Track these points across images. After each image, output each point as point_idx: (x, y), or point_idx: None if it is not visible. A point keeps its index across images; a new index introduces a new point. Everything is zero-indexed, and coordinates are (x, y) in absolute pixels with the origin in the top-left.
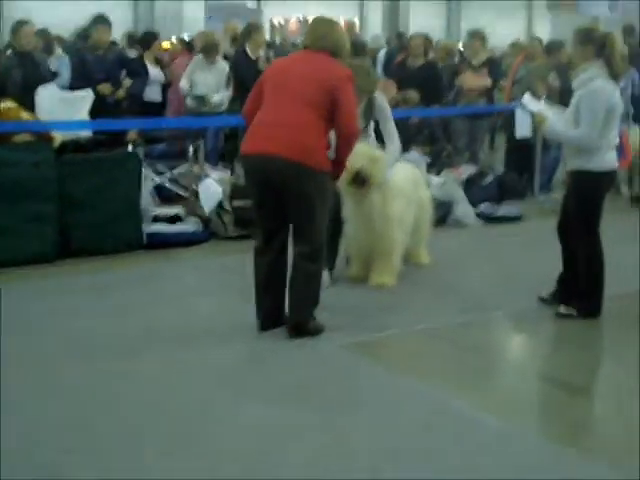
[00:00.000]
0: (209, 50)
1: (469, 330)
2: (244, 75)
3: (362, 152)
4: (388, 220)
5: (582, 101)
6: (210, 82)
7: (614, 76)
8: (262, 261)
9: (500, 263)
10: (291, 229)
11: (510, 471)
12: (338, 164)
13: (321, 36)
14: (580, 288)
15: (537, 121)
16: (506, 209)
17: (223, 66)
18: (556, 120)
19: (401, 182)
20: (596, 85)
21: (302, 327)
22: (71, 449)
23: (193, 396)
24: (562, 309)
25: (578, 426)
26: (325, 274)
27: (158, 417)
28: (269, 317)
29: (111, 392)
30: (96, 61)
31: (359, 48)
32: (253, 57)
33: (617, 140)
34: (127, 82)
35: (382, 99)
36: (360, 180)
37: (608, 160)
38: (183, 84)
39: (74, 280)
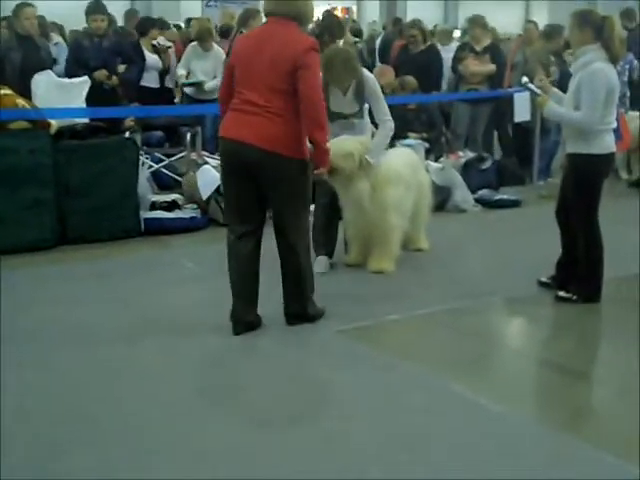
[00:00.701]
0: (203, 37)
1: (468, 315)
2: None
3: (338, 146)
4: (384, 206)
5: (582, 83)
6: (207, 69)
7: (612, 59)
8: (236, 253)
9: (499, 248)
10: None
11: (509, 455)
12: (315, 147)
13: (283, 1)
14: (579, 272)
15: (539, 102)
16: (505, 194)
17: (219, 52)
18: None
19: (399, 167)
20: (596, 67)
21: (301, 315)
22: (69, 437)
23: (190, 384)
24: (561, 293)
25: (577, 411)
26: (324, 260)
27: (156, 406)
28: (244, 314)
29: (109, 380)
30: (92, 48)
31: (339, 29)
32: None
33: (615, 123)
34: (121, 68)
35: (372, 79)
36: (332, 170)
37: (607, 143)
38: (179, 72)
39: (72, 267)
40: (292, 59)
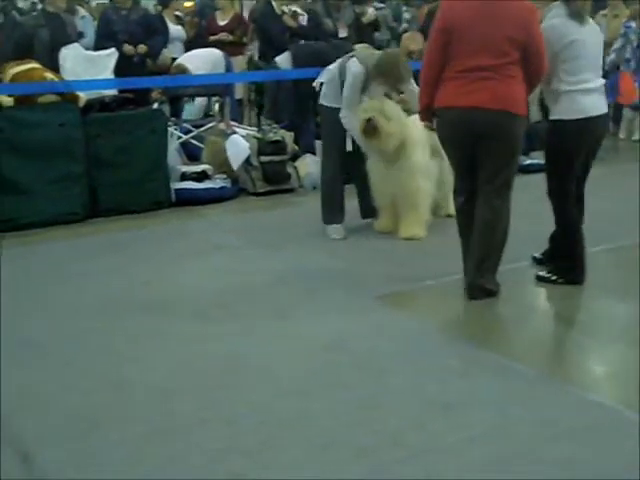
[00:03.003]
0: None
1: (501, 280)
2: (269, 29)
3: (372, 105)
4: (411, 171)
5: None
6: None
7: (575, 15)
8: (464, 218)
9: (529, 213)
10: None
11: (543, 419)
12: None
13: None
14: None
15: None
16: (535, 159)
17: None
18: None
19: (421, 132)
20: (547, 24)
21: (485, 288)
22: (104, 410)
23: (222, 353)
24: (542, 273)
25: (609, 373)
26: (338, 227)
27: (189, 375)
28: (476, 277)
29: (145, 350)
30: (120, 21)
31: None
32: (278, 12)
33: (596, 84)
34: (142, 48)
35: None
36: (370, 129)
37: (579, 106)
38: None
39: (104, 239)
40: (521, 24)
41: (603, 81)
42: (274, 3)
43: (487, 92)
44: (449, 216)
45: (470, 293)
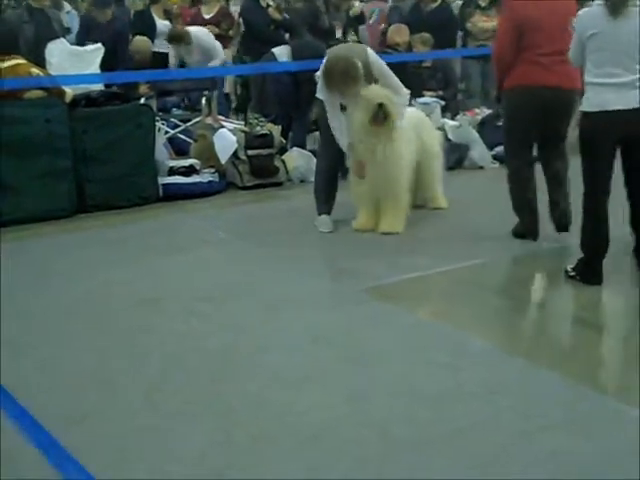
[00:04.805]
0: (174, 40)
1: (489, 271)
2: (254, 21)
3: (380, 92)
4: (397, 158)
5: None
6: (199, 58)
7: (609, 7)
8: (528, 182)
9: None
10: None
11: (532, 409)
12: None
13: None
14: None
15: None
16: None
17: (200, 35)
18: None
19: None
20: (581, 11)
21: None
22: (89, 405)
23: (213, 347)
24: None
25: (600, 365)
26: (327, 219)
27: (179, 370)
28: (536, 227)
29: (131, 346)
30: (99, 30)
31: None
32: (263, 4)
33: (627, 78)
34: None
35: (377, 62)
36: (382, 116)
37: (600, 100)
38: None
39: (92, 235)
40: (571, 13)
41: (638, 76)
42: None
43: (563, 73)
44: (438, 208)
45: (533, 236)
